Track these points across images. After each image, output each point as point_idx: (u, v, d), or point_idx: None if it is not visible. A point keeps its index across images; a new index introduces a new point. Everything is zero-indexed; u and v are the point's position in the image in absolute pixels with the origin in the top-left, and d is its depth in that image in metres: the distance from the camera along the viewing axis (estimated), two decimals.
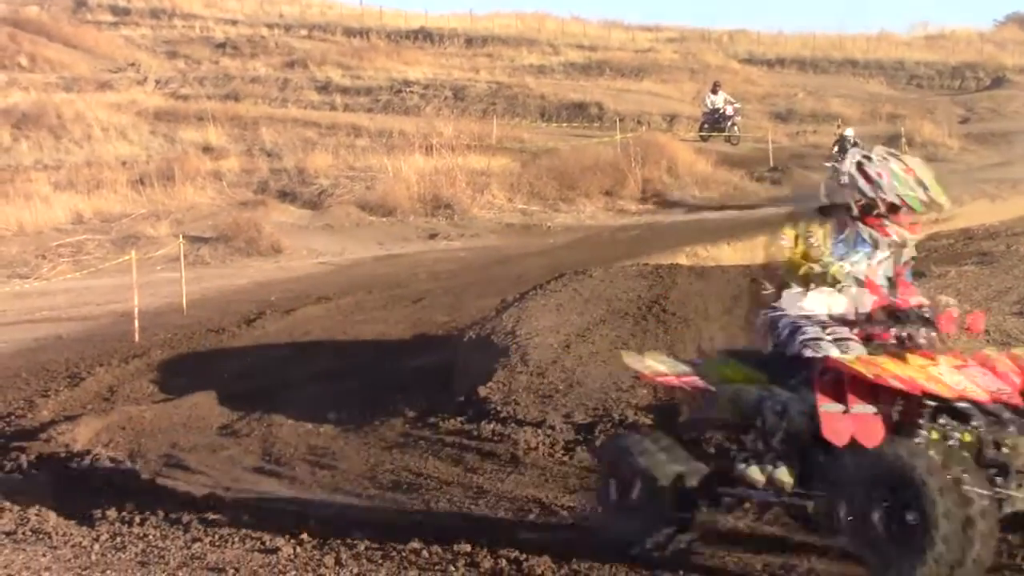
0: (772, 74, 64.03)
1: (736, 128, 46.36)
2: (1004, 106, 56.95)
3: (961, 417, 7.36)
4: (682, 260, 25.64)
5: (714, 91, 46.91)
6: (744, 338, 15.90)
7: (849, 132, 40.26)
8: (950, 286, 21.15)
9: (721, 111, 46.29)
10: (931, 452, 7.10)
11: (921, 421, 7.31)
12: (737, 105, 46.98)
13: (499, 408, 13.43)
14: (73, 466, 11.66)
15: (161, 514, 9.71)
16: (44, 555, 8.72)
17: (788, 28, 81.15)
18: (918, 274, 23.03)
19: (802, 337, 7.84)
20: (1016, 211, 33.75)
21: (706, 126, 46.77)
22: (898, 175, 8.15)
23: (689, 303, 17.49)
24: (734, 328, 16.41)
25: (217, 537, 9.04)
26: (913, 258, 8.49)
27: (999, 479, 7.26)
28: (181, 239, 25.58)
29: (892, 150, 8.63)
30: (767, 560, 8.08)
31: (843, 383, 7.37)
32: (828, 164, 10.02)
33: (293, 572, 8.10)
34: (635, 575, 7.88)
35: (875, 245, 8.20)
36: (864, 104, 55.24)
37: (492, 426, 12.89)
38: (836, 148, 37.47)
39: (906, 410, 7.34)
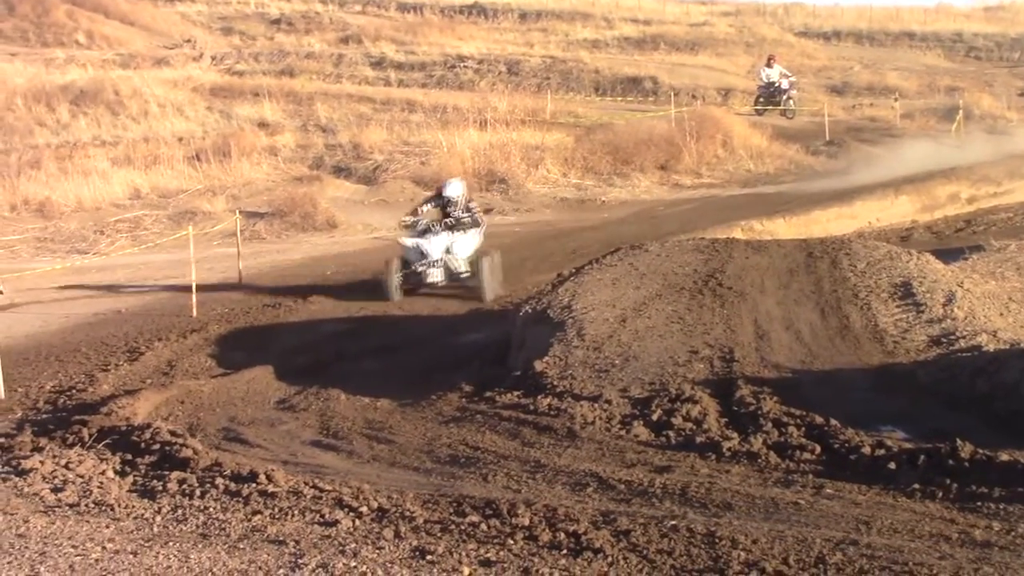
0: (828, 47, 63.62)
1: (792, 102, 46.12)
2: None
3: None
4: (738, 234, 25.61)
5: (769, 65, 46.69)
6: (799, 311, 15.89)
7: None
8: (1010, 260, 21.05)
9: (776, 85, 46.05)
10: None
11: None
12: (793, 79, 46.73)
13: (555, 382, 13.43)
14: (134, 439, 11.73)
15: (221, 487, 9.77)
16: (107, 527, 8.80)
17: (844, 0, 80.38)
18: (976, 248, 23.01)
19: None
20: None
21: (761, 100, 46.54)
22: None
23: (745, 277, 17.45)
24: (789, 302, 16.37)
25: (277, 510, 9.09)
26: None
27: None
28: (237, 214, 25.70)
29: None
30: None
31: None
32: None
33: (353, 544, 8.14)
34: (695, 549, 7.87)
35: None
36: (921, 77, 54.83)
37: (549, 400, 12.90)
38: None
39: None
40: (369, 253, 26.73)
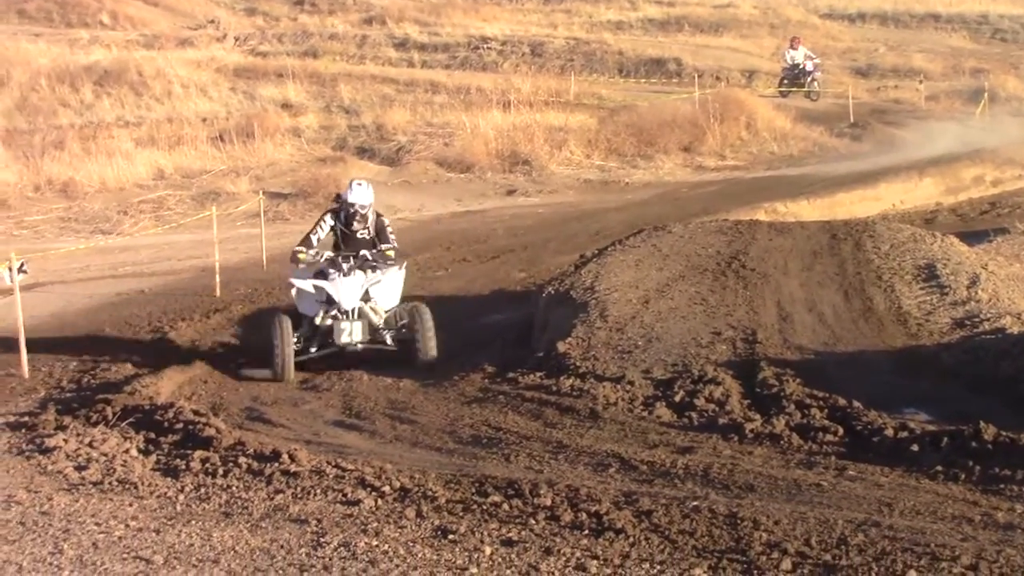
0: (853, 29, 63.26)
1: (816, 84, 45.90)
2: None
3: None
4: (761, 216, 25.55)
5: (793, 46, 46.46)
6: (822, 293, 15.86)
7: None
8: None
9: (801, 66, 45.85)
10: None
11: None
12: (817, 60, 46.50)
13: (578, 363, 13.44)
14: (157, 418, 11.78)
15: (244, 466, 9.80)
16: (131, 505, 8.85)
17: None
18: (1001, 230, 22.91)
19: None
20: None
21: (785, 82, 46.34)
22: None
23: (768, 259, 17.43)
24: (812, 284, 16.35)
25: (299, 489, 9.12)
26: None
27: None
28: (261, 195, 25.75)
29: None
30: None
31: None
32: None
33: (375, 524, 8.16)
34: (717, 530, 7.87)
35: None
36: (946, 59, 54.48)
37: (571, 381, 12.91)
38: None
39: None
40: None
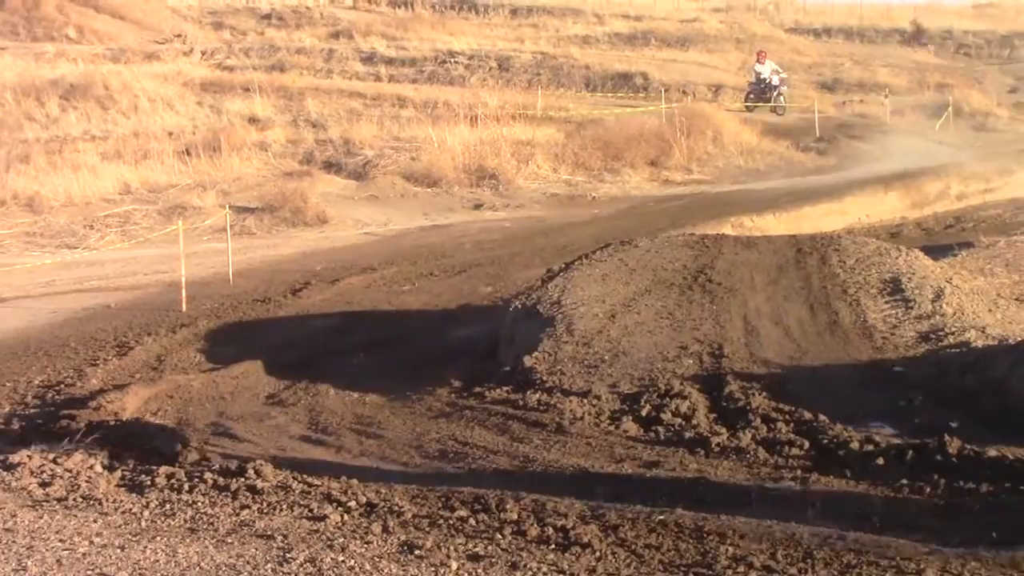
0: (819, 43, 63.67)
1: (783, 98, 46.14)
2: None
3: None
4: (727, 230, 25.63)
5: (760, 61, 46.69)
6: (789, 307, 15.91)
7: None
8: (999, 256, 21.13)
9: (767, 81, 46.07)
10: None
11: None
12: (783, 75, 46.74)
13: (545, 378, 13.44)
14: (122, 434, 11.73)
15: (210, 481, 9.76)
16: (95, 521, 8.79)
17: None
18: (965, 244, 23.06)
19: None
20: None
21: (752, 96, 46.56)
22: None
23: (735, 273, 17.47)
24: (779, 298, 16.40)
25: (265, 504, 9.09)
26: None
27: None
28: (227, 209, 25.68)
29: None
30: None
31: None
32: None
33: (341, 539, 8.14)
34: (683, 544, 7.89)
35: None
36: (912, 73, 54.90)
37: (538, 396, 12.91)
38: None
39: None
40: (359, 249, 26.74)
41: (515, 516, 8.53)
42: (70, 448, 11.19)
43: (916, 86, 51.88)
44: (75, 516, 8.94)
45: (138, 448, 11.20)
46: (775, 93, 46.03)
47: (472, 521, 8.51)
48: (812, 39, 64.67)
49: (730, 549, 7.72)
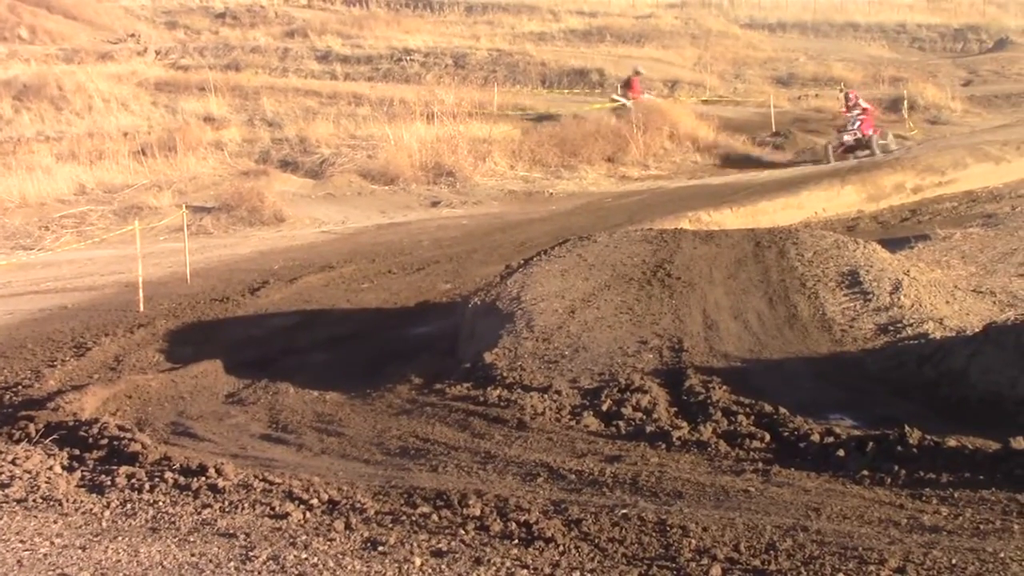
0: (773, 38, 63.95)
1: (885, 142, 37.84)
2: (1007, 68, 56.97)
3: None
4: (686, 225, 25.67)
5: (849, 105, 38.46)
6: (747, 301, 15.96)
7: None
8: (955, 248, 21.25)
9: (862, 137, 37.39)
10: None
11: None
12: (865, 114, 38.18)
13: (505, 374, 13.44)
14: (81, 434, 11.65)
15: (171, 481, 9.71)
16: (55, 522, 8.74)
17: None
18: (922, 237, 23.17)
19: None
20: (1020, 173, 33.86)
21: (840, 150, 37.47)
22: None
23: (693, 267, 17.51)
24: (737, 292, 16.44)
25: (227, 503, 9.06)
26: None
27: None
28: (184, 209, 25.56)
29: None
30: None
31: None
32: None
33: (304, 537, 8.12)
34: (646, 537, 7.90)
35: None
36: (866, 67, 55.21)
37: (498, 392, 12.90)
38: None
39: None
40: (317, 247, 26.66)
41: (478, 511, 8.52)
42: (29, 449, 11.11)
43: (871, 80, 52.12)
44: (35, 517, 8.88)
45: (97, 448, 11.11)
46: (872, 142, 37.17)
47: (435, 517, 8.50)
48: (767, 34, 64.95)
49: (693, 542, 7.74)
